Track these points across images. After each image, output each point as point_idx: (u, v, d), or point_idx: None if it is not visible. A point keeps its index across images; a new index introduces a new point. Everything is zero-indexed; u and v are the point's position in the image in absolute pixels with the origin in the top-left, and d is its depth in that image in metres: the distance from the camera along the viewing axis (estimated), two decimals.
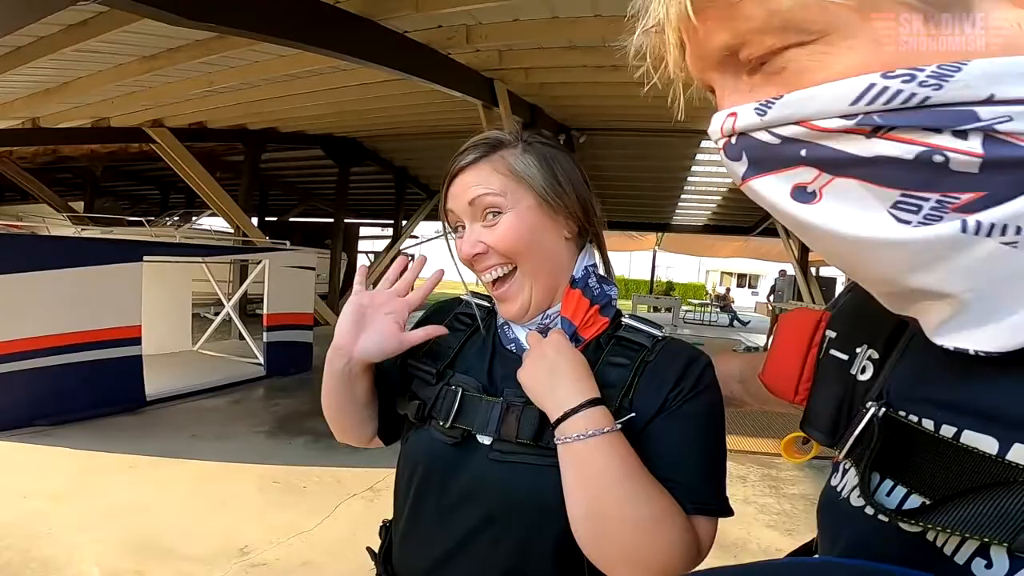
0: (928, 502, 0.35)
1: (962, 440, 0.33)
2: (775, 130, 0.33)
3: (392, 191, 12.46)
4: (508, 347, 0.76)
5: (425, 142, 9.09)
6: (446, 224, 0.78)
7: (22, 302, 3.85)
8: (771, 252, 15.39)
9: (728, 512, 0.67)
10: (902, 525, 0.35)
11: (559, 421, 0.63)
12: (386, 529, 0.84)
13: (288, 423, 4.52)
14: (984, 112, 0.27)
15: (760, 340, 12.48)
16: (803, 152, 0.32)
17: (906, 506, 0.36)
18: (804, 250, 9.87)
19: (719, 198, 12.15)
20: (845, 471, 0.45)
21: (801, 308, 0.61)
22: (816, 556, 0.51)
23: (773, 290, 12.45)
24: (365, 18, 4.26)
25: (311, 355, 6.64)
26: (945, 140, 0.28)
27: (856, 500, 0.41)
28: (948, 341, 0.33)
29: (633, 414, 0.66)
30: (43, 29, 4.26)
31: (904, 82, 0.28)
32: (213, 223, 12.73)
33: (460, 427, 0.70)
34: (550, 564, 0.68)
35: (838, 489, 0.46)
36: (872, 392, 0.44)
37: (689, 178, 10.69)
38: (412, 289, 0.78)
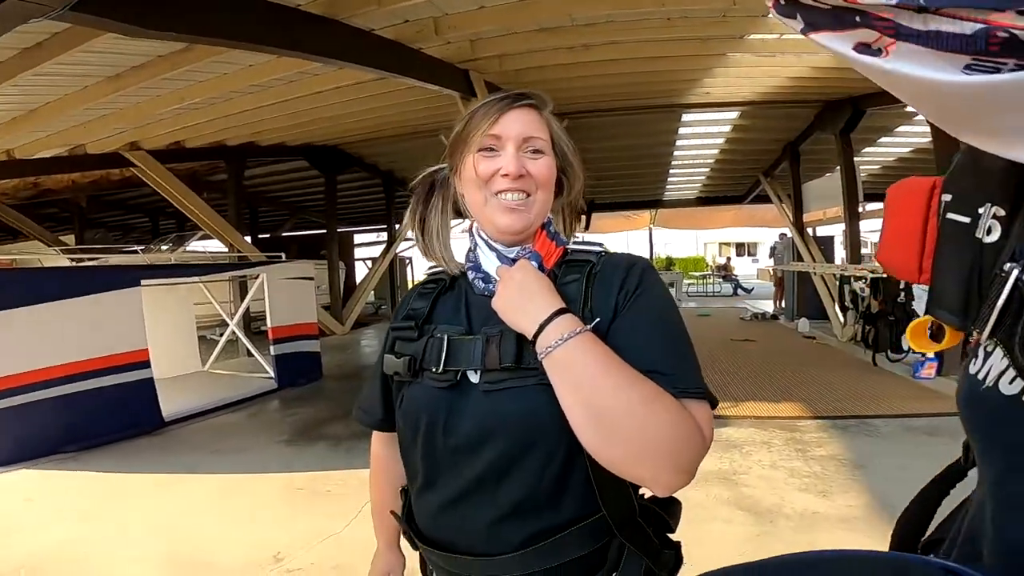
0: None
1: None
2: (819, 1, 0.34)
3: (382, 196, 12.40)
4: (482, 294, 0.82)
5: (408, 143, 9.02)
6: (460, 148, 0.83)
7: (31, 334, 3.91)
8: (766, 217, 15.35)
9: (712, 399, 0.70)
10: None
11: (536, 335, 0.68)
12: (405, 492, 0.89)
13: (306, 431, 4.53)
14: None
15: (765, 305, 12.48)
16: (857, 19, 0.33)
17: None
18: (798, 212, 9.85)
19: (707, 169, 12.12)
20: (988, 354, 0.39)
21: (908, 178, 0.56)
22: (970, 461, 0.47)
23: (773, 252, 12.44)
24: (329, 18, 4.23)
25: (320, 364, 6.64)
26: (1010, 19, 0.28)
27: (1009, 387, 0.36)
28: None
29: (599, 319, 0.72)
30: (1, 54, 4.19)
31: None
32: (207, 245, 12.65)
33: (451, 369, 0.76)
34: (560, 487, 0.72)
35: (980, 377, 0.40)
36: (1005, 253, 0.39)
37: (676, 152, 10.67)
38: None
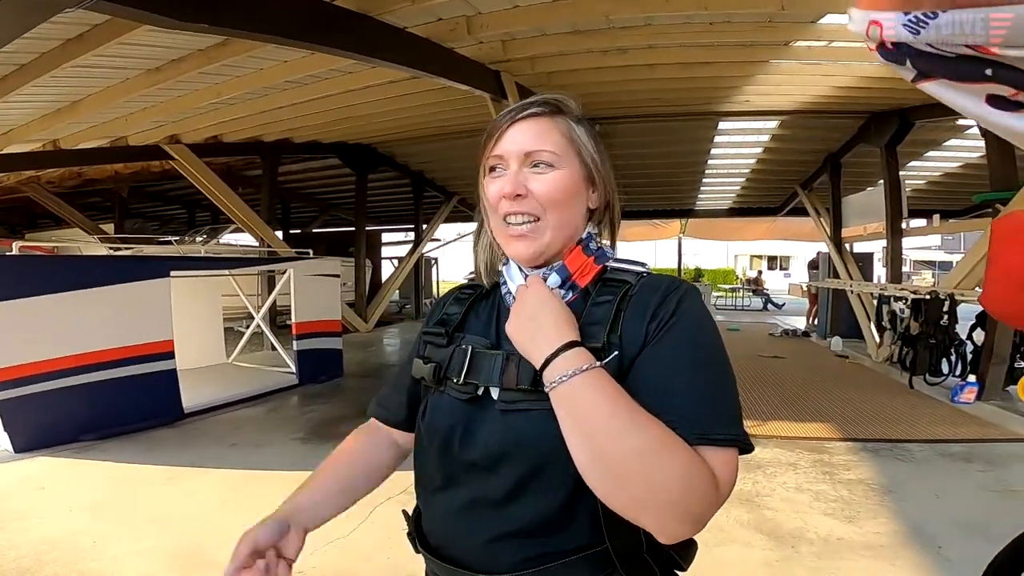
0: None
1: None
2: (939, 47, 0.31)
3: (410, 196, 12.49)
4: (511, 306, 0.78)
5: (438, 144, 9.09)
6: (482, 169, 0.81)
7: (57, 322, 3.97)
8: (802, 231, 14.94)
9: (745, 446, 0.64)
10: None
11: (542, 368, 0.65)
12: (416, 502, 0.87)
13: (321, 429, 4.54)
14: None
15: (796, 322, 12.12)
16: (988, 72, 0.30)
17: None
18: (837, 227, 9.52)
19: (742, 180, 11.84)
20: None
21: (1016, 211, 0.48)
22: None
23: (813, 266, 12.07)
24: (363, 14, 4.23)
25: (341, 361, 6.67)
26: None
27: None
28: None
29: (615, 353, 0.68)
30: (43, 45, 4.32)
31: None
32: (239, 238, 12.93)
33: (471, 382, 0.74)
34: (567, 514, 0.69)
35: None
36: None
37: (710, 161, 10.43)
38: None
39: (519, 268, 0.79)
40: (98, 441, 4.05)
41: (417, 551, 0.82)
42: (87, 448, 3.93)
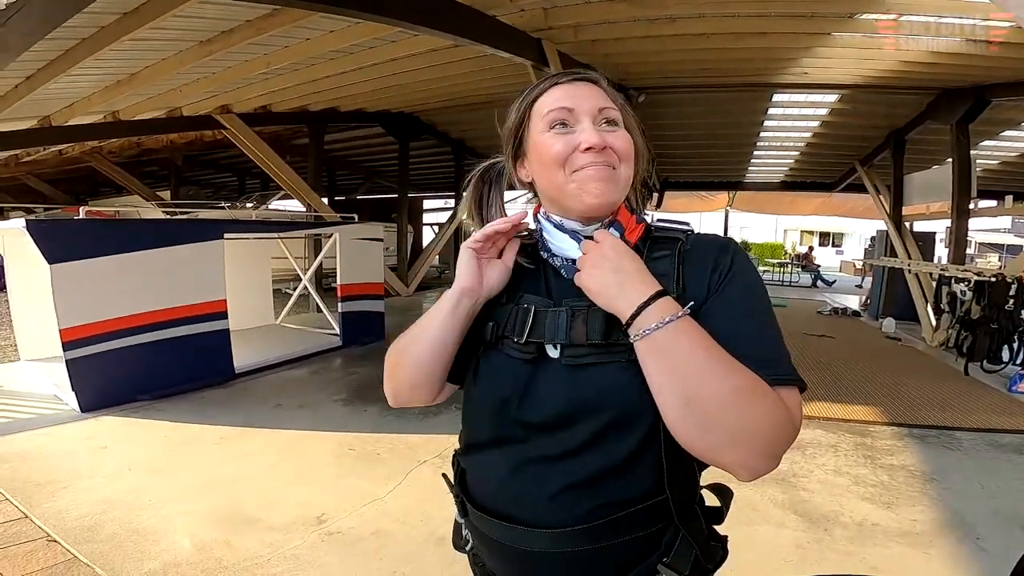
0: None
1: None
2: None
3: (451, 164, 12.53)
4: (559, 268, 0.80)
5: (479, 113, 9.02)
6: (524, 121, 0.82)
7: (120, 282, 4.10)
8: (856, 208, 14.20)
9: (802, 383, 0.69)
10: None
11: (634, 316, 0.66)
12: (456, 461, 0.88)
13: (363, 391, 4.69)
14: None
15: (847, 300, 11.66)
16: None
17: None
18: (897, 205, 9.00)
19: (797, 153, 11.29)
20: None
21: None
22: None
23: (872, 243, 11.54)
24: None
25: (383, 324, 6.83)
26: None
27: None
28: None
29: (692, 303, 0.69)
30: (101, 19, 4.46)
31: None
32: (287, 204, 13.34)
33: (533, 341, 0.75)
34: (632, 465, 0.72)
35: None
36: None
37: (762, 133, 9.97)
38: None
39: (561, 228, 0.79)
40: (154, 401, 4.18)
41: (465, 514, 0.83)
42: (144, 408, 4.08)
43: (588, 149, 0.73)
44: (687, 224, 0.81)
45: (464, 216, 0.94)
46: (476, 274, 0.78)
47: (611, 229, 0.77)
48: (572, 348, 0.73)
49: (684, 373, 0.63)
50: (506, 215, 0.87)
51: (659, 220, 0.83)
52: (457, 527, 0.89)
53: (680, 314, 0.65)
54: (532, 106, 0.79)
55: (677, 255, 0.75)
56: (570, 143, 0.74)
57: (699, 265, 0.74)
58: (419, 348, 0.81)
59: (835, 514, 2.78)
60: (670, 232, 0.79)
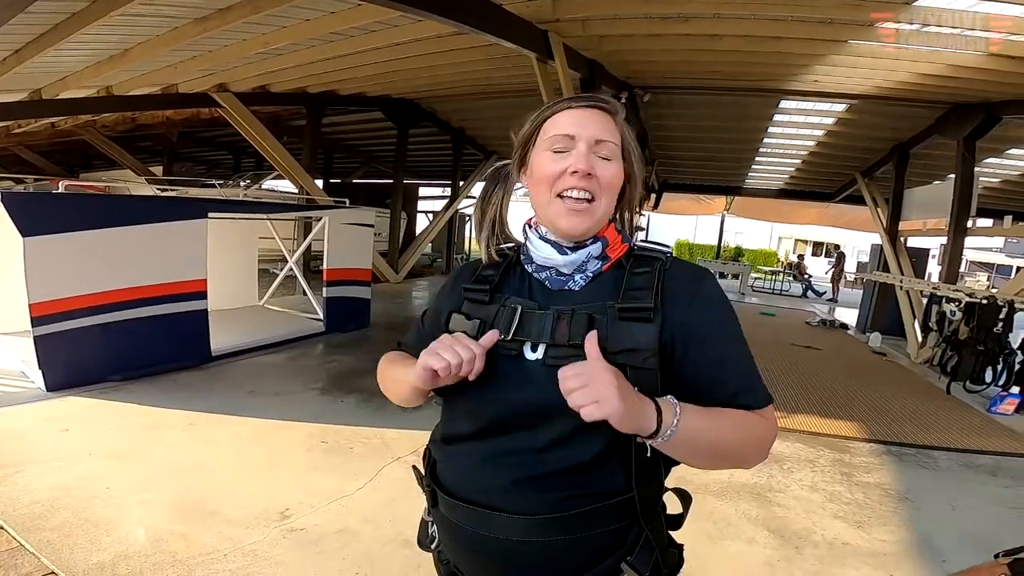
0: None
1: None
2: None
3: (450, 152, 12.43)
4: (541, 280, 0.88)
5: (481, 102, 8.93)
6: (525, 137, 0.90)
7: (94, 258, 3.95)
8: (855, 220, 14.17)
9: (772, 398, 0.83)
10: None
11: (657, 431, 0.73)
12: (429, 453, 0.94)
13: (341, 381, 4.60)
14: None
15: (837, 312, 11.65)
16: None
17: None
18: (895, 219, 8.97)
19: (798, 162, 11.24)
20: None
21: None
22: None
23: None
24: None
25: (369, 311, 6.74)
26: None
27: None
28: None
29: (670, 396, 0.76)
30: None
31: None
32: (280, 185, 13.20)
33: (519, 339, 0.81)
34: (603, 460, 0.78)
35: None
36: None
37: (765, 140, 9.91)
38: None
39: (547, 241, 0.86)
40: (124, 382, 4.03)
41: (435, 505, 0.87)
42: (114, 389, 3.93)
43: (574, 173, 0.81)
44: (666, 246, 0.89)
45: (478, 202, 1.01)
46: (431, 381, 0.81)
47: (596, 243, 0.85)
48: (555, 348, 0.78)
49: (706, 446, 0.77)
50: (506, 213, 0.97)
51: (641, 241, 0.90)
52: (424, 525, 0.93)
53: (679, 410, 0.73)
54: (542, 125, 0.86)
55: (657, 273, 0.83)
56: (561, 165, 0.82)
57: (679, 292, 0.82)
58: (399, 390, 0.92)
59: (807, 531, 2.76)
60: (651, 252, 0.87)
